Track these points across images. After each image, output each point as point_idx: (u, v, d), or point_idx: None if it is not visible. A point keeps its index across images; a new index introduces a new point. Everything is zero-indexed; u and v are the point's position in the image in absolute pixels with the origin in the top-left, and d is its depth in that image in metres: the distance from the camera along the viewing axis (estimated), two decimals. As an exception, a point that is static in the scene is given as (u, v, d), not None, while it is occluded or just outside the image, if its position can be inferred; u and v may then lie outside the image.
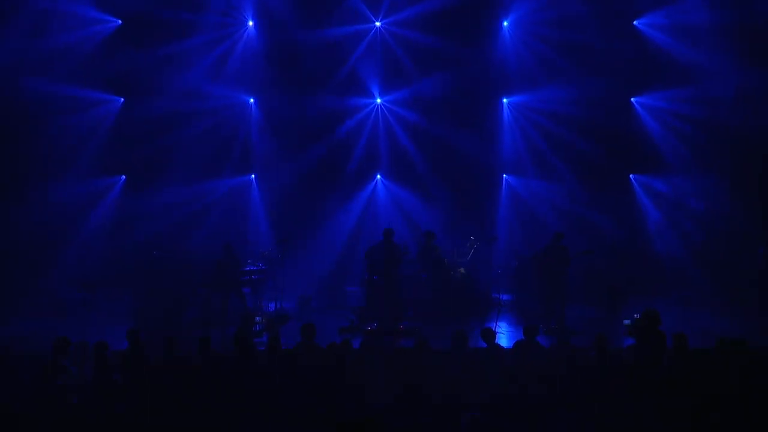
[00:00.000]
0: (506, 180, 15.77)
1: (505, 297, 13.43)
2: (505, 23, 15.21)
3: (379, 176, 15.96)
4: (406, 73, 15.32)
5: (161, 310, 12.03)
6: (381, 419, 6.75)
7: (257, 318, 11.72)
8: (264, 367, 8.18)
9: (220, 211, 15.27)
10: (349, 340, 9.01)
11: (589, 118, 14.67)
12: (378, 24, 15.24)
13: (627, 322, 11.07)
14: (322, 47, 15.09)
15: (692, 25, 14.15)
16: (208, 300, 11.95)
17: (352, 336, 10.58)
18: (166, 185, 14.80)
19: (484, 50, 15.13)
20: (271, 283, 13.02)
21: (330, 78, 15.26)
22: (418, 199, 15.55)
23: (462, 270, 13.03)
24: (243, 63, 15.23)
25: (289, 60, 15.21)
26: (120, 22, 14.56)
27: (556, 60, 14.85)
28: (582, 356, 8.32)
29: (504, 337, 10.87)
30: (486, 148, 15.48)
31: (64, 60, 14.21)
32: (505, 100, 15.58)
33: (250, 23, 15.26)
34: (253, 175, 15.89)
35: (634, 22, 14.60)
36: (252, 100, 15.61)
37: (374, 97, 15.65)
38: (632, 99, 14.98)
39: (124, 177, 15.20)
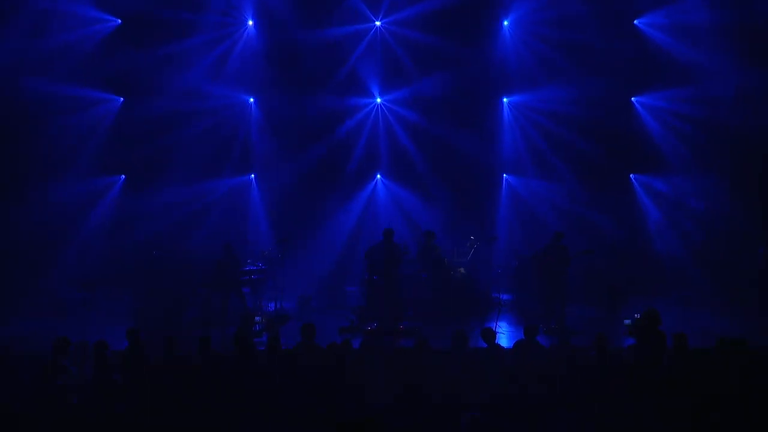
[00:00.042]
0: (506, 180, 15.78)
1: (505, 297, 13.41)
2: (506, 23, 15.21)
3: (379, 176, 15.96)
4: (406, 72, 15.32)
5: (161, 310, 12.02)
6: (381, 419, 6.74)
7: (257, 318, 11.70)
8: (264, 367, 8.17)
9: (220, 211, 15.27)
10: (349, 340, 9.00)
11: (589, 117, 14.68)
12: (378, 23, 15.23)
13: (627, 321, 11.06)
14: (322, 47, 15.08)
15: (692, 25, 14.16)
16: (208, 300, 11.94)
17: (352, 336, 10.57)
18: (166, 185, 14.80)
19: (484, 50, 15.13)
20: (271, 283, 13.01)
21: (330, 78, 15.26)
22: (418, 198, 15.56)
23: (462, 270, 13.02)
24: (243, 63, 15.23)
25: (289, 60, 15.20)
26: (120, 21, 14.56)
27: (557, 60, 14.85)
28: (582, 356, 8.33)
29: (504, 337, 10.86)
30: (486, 147, 15.48)
31: (64, 59, 14.21)
32: (505, 100, 15.58)
33: (250, 23, 15.25)
34: (253, 175, 15.89)
35: (635, 22, 14.60)
36: (252, 100, 15.61)
37: (374, 97, 15.65)
38: (632, 99, 14.98)
39: (123, 176, 15.20)
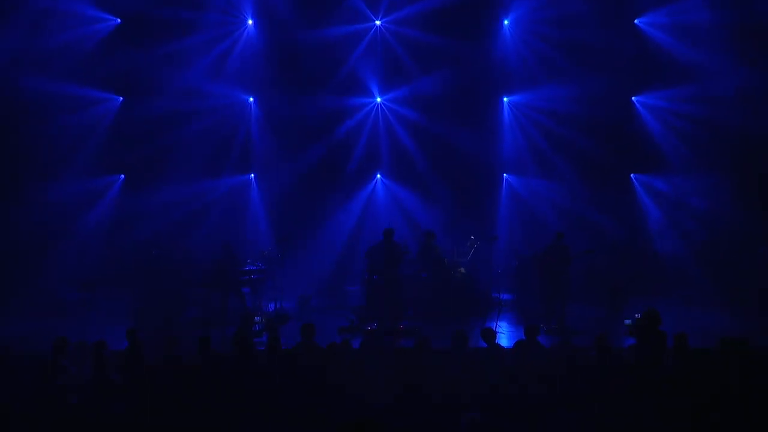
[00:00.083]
0: (507, 179, 15.76)
1: (505, 297, 13.41)
2: (506, 22, 15.19)
3: (379, 175, 15.94)
4: (406, 72, 15.30)
5: (161, 310, 12.02)
6: (381, 419, 6.73)
7: (257, 318, 11.69)
8: (264, 367, 8.16)
9: (220, 210, 15.26)
10: (349, 340, 9.00)
11: (590, 117, 14.65)
12: (378, 23, 15.22)
13: (628, 321, 11.05)
14: (322, 46, 15.05)
15: (693, 24, 14.15)
16: (207, 300, 11.93)
17: (352, 336, 10.57)
18: (166, 184, 14.78)
19: (484, 49, 15.11)
20: (270, 282, 13.00)
21: (330, 77, 15.24)
22: (418, 198, 15.54)
23: (462, 270, 13.01)
24: (243, 62, 15.22)
25: (288, 59, 15.18)
26: (119, 20, 14.56)
27: (557, 59, 14.83)
28: (582, 356, 8.30)
29: (504, 337, 10.85)
30: (486, 147, 15.46)
31: (64, 59, 14.20)
32: (505, 99, 15.56)
33: (250, 22, 15.24)
34: (252, 175, 15.88)
35: (635, 21, 14.59)
36: (252, 100, 15.60)
37: (374, 96, 15.64)
38: (633, 98, 14.97)
39: (123, 176, 15.21)
